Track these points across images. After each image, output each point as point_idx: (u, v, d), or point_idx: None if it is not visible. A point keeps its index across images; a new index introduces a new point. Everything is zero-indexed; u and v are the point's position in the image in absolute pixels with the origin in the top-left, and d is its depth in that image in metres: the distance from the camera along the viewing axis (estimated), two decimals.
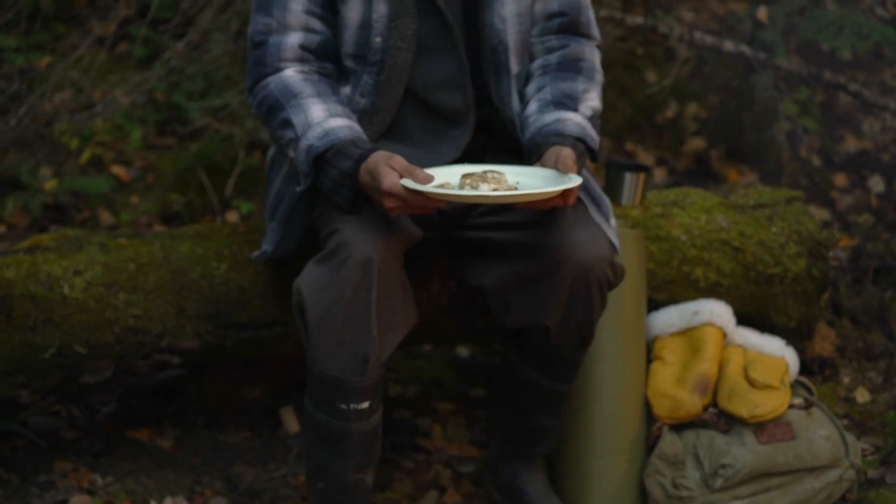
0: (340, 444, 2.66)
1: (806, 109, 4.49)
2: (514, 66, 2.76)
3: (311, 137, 2.61)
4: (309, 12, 2.71)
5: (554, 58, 2.80)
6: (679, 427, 3.05)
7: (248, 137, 4.08)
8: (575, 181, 2.51)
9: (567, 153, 2.58)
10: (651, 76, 4.56)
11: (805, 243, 3.27)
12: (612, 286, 2.71)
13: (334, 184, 2.59)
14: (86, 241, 3.03)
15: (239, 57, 4.09)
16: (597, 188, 2.83)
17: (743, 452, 2.98)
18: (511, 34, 2.74)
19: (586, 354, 2.86)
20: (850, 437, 3.07)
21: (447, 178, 2.54)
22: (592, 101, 2.77)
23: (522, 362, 2.86)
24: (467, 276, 2.81)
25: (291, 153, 2.67)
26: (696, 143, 4.49)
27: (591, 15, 2.86)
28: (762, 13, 4.22)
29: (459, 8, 2.72)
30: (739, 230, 3.25)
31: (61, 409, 3.31)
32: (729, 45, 4.20)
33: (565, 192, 2.51)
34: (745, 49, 4.19)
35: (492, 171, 2.52)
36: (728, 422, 3.02)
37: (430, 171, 2.53)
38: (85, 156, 4.18)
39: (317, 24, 2.72)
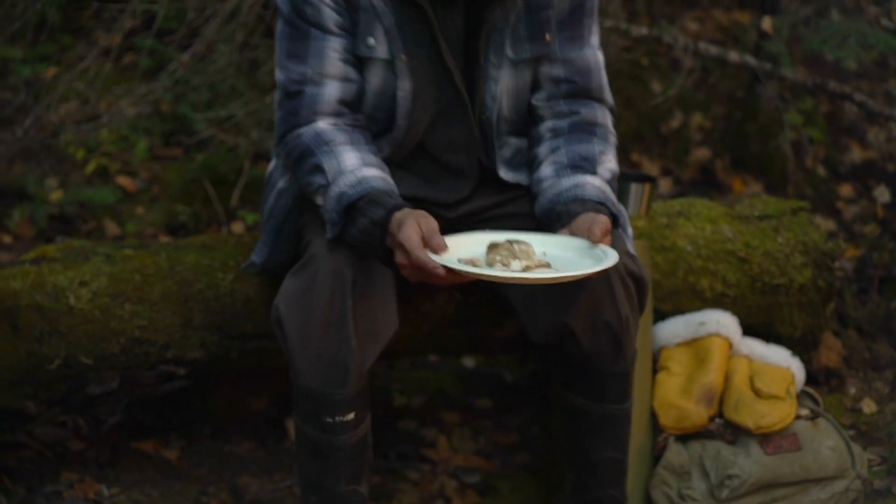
0: (330, 458, 2.63)
1: (811, 119, 4.49)
2: (504, 128, 2.74)
3: (343, 185, 2.55)
4: (346, 61, 2.65)
5: (565, 123, 2.73)
6: (685, 437, 3.05)
7: (254, 148, 4.08)
8: (612, 258, 2.40)
9: (603, 220, 2.49)
10: (656, 86, 4.56)
11: (810, 254, 3.27)
12: (636, 278, 2.61)
13: (363, 234, 2.52)
14: (91, 251, 3.03)
15: (244, 68, 4.09)
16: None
17: (749, 463, 2.97)
18: (505, 108, 2.72)
19: (632, 369, 2.71)
20: (856, 448, 3.07)
21: (471, 248, 2.46)
22: (610, 162, 2.70)
23: (567, 389, 2.74)
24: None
25: (320, 200, 2.60)
26: (702, 154, 4.49)
27: (602, 79, 2.76)
28: (767, 23, 4.22)
29: (464, 83, 2.70)
30: (745, 241, 3.25)
31: (67, 419, 3.31)
32: (734, 56, 4.20)
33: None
34: (750, 59, 4.19)
35: (518, 242, 2.43)
36: (734, 432, 3.02)
37: (452, 238, 2.46)
38: (90, 166, 4.19)
39: (352, 73, 2.66)
